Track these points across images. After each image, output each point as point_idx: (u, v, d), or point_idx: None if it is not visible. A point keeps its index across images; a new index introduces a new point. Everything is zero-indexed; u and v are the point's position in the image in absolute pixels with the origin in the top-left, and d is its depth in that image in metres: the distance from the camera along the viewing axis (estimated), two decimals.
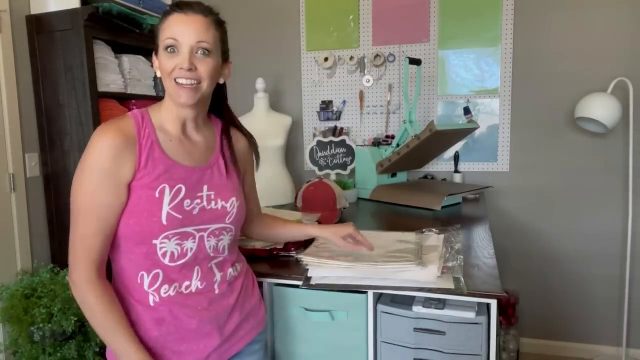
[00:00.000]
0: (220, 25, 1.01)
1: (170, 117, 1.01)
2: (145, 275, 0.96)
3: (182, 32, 0.94)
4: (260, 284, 1.28)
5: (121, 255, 0.97)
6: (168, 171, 0.96)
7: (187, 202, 0.97)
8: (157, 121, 1.00)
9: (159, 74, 0.99)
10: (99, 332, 0.93)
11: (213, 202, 1.01)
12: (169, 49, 0.95)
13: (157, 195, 0.93)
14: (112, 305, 0.93)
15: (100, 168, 0.90)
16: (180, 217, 0.95)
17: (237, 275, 1.09)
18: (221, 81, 1.05)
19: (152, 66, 2.36)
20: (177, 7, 0.96)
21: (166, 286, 0.97)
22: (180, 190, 0.97)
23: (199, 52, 0.95)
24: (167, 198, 0.94)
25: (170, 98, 0.99)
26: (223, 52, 1.02)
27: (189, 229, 0.97)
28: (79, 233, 0.92)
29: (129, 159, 0.92)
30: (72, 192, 0.92)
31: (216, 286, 1.03)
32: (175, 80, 0.95)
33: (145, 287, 0.96)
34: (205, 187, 1.01)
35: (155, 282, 0.96)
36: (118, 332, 0.91)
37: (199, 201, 0.99)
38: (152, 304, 0.96)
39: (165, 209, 0.94)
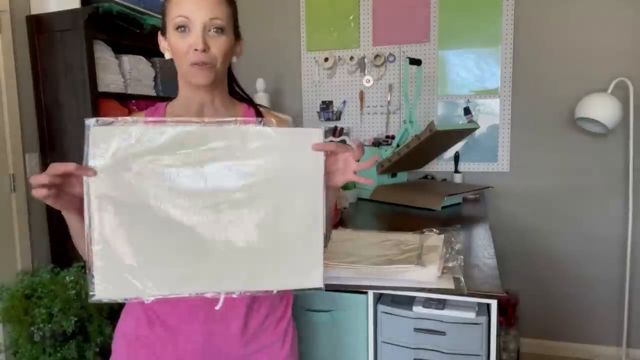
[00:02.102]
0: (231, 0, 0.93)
1: (184, 101, 0.94)
2: None
3: (193, 8, 0.86)
4: None
5: None
6: None
7: None
8: (170, 108, 0.95)
9: (167, 55, 0.93)
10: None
11: None
12: (179, 29, 0.87)
13: None
14: None
15: None
16: None
17: None
18: (234, 60, 0.99)
19: (151, 62, 2.33)
20: None
21: None
22: None
23: (212, 30, 0.88)
24: None
25: (183, 79, 0.93)
26: (234, 28, 0.96)
27: None
28: None
29: None
30: None
31: None
32: (189, 62, 0.88)
33: None
34: None
35: None
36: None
37: None
38: None
39: None
